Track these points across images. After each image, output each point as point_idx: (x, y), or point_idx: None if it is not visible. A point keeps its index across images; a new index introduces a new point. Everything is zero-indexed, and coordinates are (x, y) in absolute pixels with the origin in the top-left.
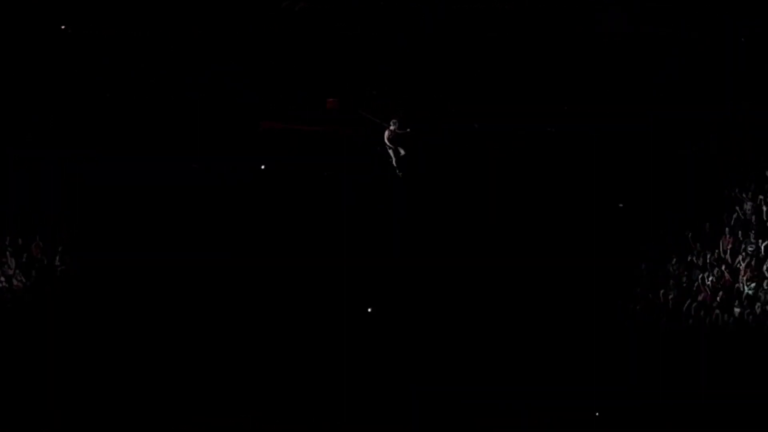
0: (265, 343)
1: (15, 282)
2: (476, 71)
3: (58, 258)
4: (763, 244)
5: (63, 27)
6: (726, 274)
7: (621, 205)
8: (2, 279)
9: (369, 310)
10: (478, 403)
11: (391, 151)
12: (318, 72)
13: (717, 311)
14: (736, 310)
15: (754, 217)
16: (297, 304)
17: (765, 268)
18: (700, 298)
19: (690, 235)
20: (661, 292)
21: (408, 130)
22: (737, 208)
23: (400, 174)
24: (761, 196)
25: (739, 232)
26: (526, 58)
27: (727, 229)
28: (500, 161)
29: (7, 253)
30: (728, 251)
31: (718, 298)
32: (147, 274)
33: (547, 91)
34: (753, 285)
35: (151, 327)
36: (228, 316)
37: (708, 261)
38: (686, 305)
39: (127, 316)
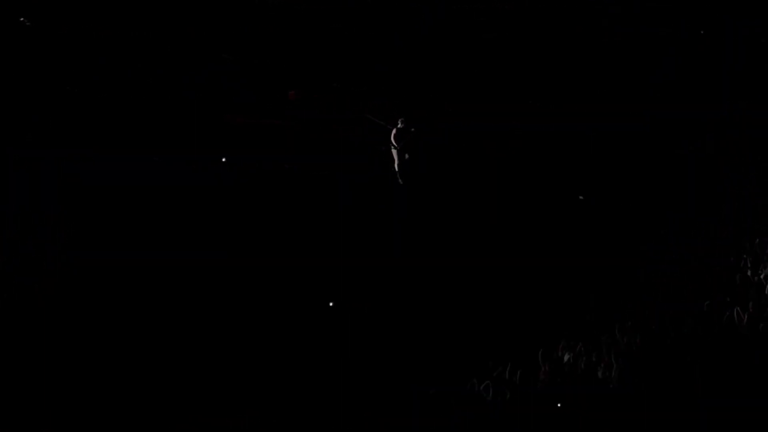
0: (262, 342)
1: None
2: (473, 70)
3: (56, 257)
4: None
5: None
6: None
7: (581, 197)
8: None
9: (330, 304)
10: (477, 404)
11: (395, 152)
12: (314, 71)
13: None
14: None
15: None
16: (294, 304)
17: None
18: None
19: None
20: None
21: (413, 129)
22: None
23: (402, 182)
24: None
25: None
26: (523, 57)
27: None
28: (500, 161)
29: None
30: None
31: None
32: (145, 273)
33: (544, 91)
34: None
35: (148, 326)
36: (226, 315)
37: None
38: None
39: (124, 315)
